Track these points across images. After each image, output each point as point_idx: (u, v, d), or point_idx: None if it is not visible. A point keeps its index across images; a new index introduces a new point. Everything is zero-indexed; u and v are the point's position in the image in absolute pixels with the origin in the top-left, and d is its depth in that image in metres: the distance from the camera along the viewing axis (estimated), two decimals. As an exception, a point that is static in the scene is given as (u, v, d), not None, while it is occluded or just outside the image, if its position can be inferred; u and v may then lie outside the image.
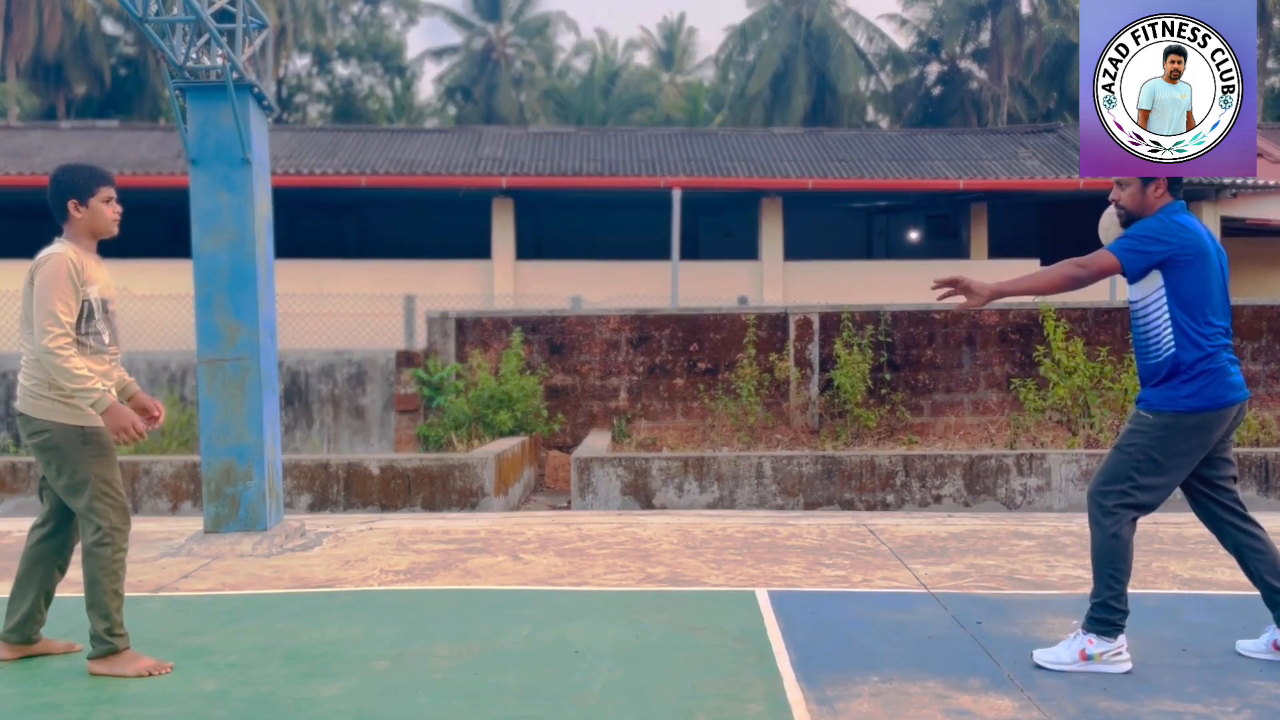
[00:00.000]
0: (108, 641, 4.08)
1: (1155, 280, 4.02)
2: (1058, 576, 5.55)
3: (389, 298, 15.83)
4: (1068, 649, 4.08)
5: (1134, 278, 4.07)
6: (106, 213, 4.21)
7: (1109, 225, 4.30)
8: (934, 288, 4.19)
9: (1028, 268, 19.45)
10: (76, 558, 4.33)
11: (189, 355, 13.07)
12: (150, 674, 4.06)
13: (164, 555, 6.36)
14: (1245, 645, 4.29)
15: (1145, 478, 4.02)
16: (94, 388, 3.98)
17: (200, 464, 6.89)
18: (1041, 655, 4.13)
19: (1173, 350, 4.01)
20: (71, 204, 4.15)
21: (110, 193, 4.23)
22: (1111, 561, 4.02)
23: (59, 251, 4.08)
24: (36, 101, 33.55)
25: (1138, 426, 4.06)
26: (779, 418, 12.98)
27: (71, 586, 5.05)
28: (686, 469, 9.56)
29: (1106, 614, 4.04)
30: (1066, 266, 4.08)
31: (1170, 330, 4.01)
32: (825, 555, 6.15)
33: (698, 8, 61.93)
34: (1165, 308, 4.02)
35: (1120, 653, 4.03)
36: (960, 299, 4.14)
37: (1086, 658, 4.03)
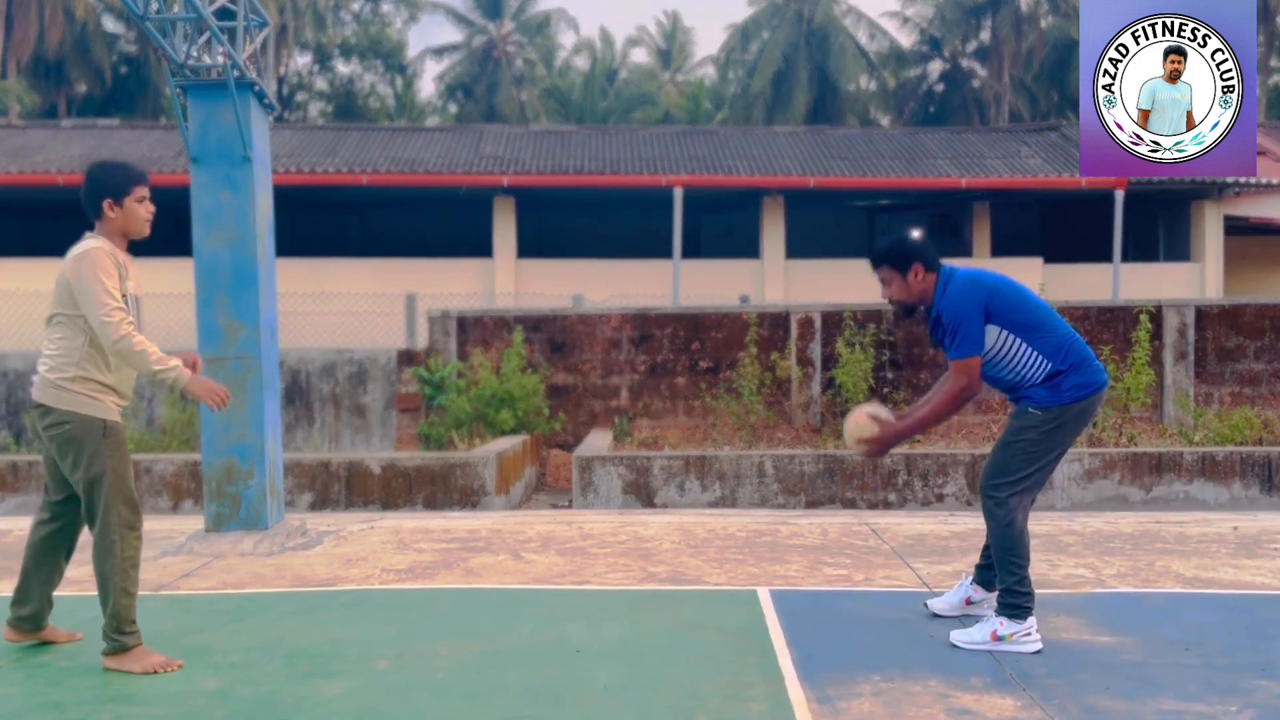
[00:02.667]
0: (117, 640, 4.09)
1: (993, 331, 4.31)
2: (1060, 575, 5.55)
3: (390, 296, 15.84)
4: (980, 630, 4.32)
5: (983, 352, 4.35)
6: (140, 212, 4.22)
7: (856, 430, 4.61)
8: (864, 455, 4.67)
9: (1030, 265, 19.45)
10: (81, 555, 4.36)
11: (190, 354, 13.06)
12: (157, 671, 4.07)
13: (165, 554, 6.36)
14: (936, 604, 4.77)
15: (1032, 467, 4.32)
16: (174, 365, 4.07)
17: (201, 463, 6.89)
18: (957, 635, 4.36)
19: (1046, 366, 4.30)
20: (106, 203, 4.15)
21: (145, 192, 4.23)
22: (1011, 548, 4.28)
23: (98, 245, 4.08)
24: (37, 100, 33.57)
25: (1026, 423, 4.33)
26: (781, 417, 12.98)
27: (72, 585, 5.07)
28: (688, 468, 9.57)
29: (1013, 598, 4.27)
30: (951, 391, 4.38)
31: (1032, 354, 4.30)
32: (827, 554, 6.15)
33: (695, 7, 61.96)
34: (1017, 342, 4.30)
35: (1030, 633, 4.26)
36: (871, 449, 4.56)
37: (997, 638, 4.25)
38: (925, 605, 4.85)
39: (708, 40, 66.74)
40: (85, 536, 4.36)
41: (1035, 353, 4.29)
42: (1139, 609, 4.89)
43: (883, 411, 4.65)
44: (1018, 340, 4.30)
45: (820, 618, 4.79)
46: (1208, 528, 6.82)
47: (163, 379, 4.04)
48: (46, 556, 4.30)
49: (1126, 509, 8.97)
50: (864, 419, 4.60)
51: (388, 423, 13.32)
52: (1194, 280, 20.07)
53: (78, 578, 5.07)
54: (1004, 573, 4.29)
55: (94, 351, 4.08)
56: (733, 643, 4.41)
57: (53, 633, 4.40)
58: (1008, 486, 4.29)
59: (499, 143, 22.30)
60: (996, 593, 4.45)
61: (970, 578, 4.80)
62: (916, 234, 4.56)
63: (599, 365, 13.37)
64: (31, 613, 4.30)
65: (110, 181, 4.17)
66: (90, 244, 4.10)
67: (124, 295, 4.11)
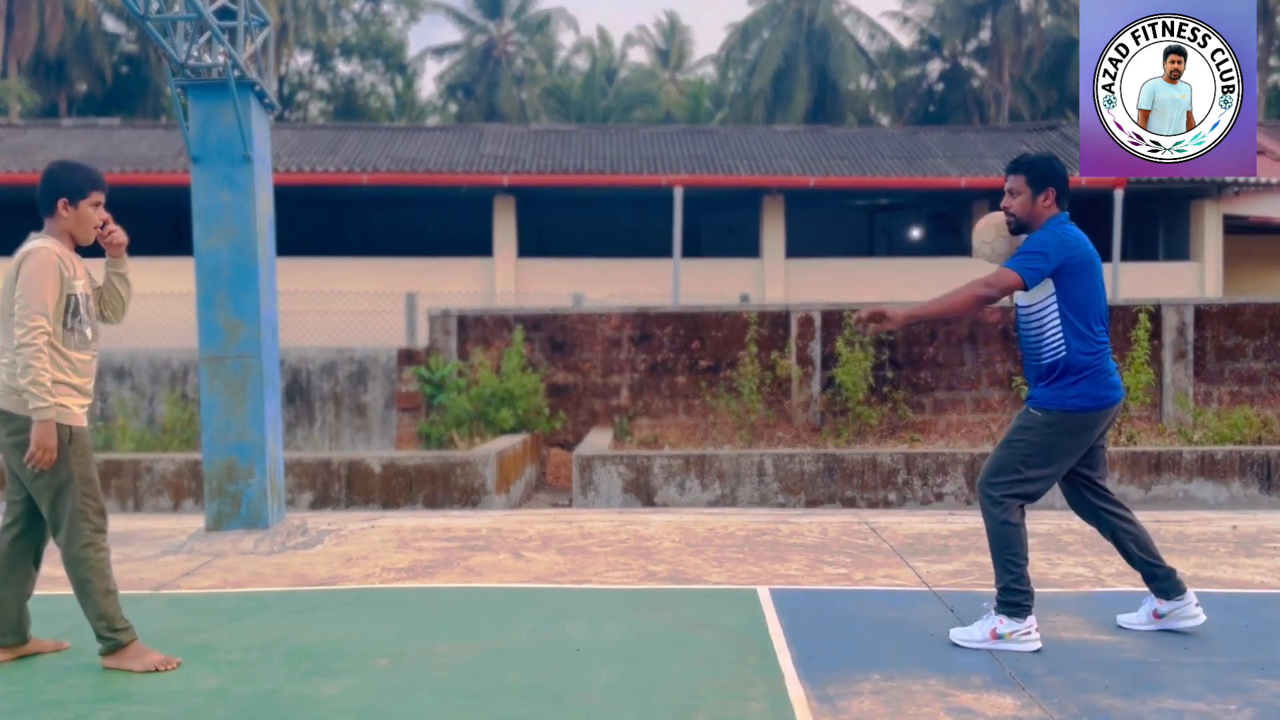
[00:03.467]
0: (111, 638, 4.08)
1: (1047, 287, 4.26)
2: (1059, 574, 5.56)
3: (390, 295, 15.84)
4: (980, 628, 4.32)
5: (1030, 287, 4.27)
6: (93, 217, 4.15)
7: (986, 231, 4.50)
8: (855, 321, 4.54)
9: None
10: (53, 555, 4.31)
11: (190, 353, 13.08)
12: (158, 669, 4.06)
13: (165, 553, 6.37)
14: (1126, 619, 4.58)
15: (1031, 470, 4.29)
16: (47, 398, 3.91)
17: (202, 462, 6.89)
18: (956, 634, 4.36)
19: (1064, 353, 4.25)
20: (61, 202, 4.12)
21: (100, 198, 4.18)
22: (1008, 546, 4.28)
23: (45, 246, 4.03)
24: (38, 99, 33.56)
25: (1027, 423, 4.32)
26: (781, 416, 12.99)
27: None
28: (688, 467, 9.57)
29: (1012, 596, 4.27)
30: (976, 287, 4.28)
31: (1062, 333, 4.26)
32: (827, 553, 6.15)
33: (695, 7, 61.95)
34: (1057, 312, 4.26)
35: (1029, 632, 4.26)
36: (875, 325, 4.48)
37: (997, 636, 4.25)
38: (1117, 621, 4.65)
39: (707, 39, 66.79)
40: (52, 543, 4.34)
41: (1064, 332, 4.23)
42: (1138, 608, 4.89)
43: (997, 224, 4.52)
44: (1058, 309, 4.23)
45: (820, 617, 4.80)
46: (1207, 527, 6.83)
47: (32, 398, 3.89)
48: (16, 565, 4.20)
49: (1126, 508, 8.97)
50: (989, 223, 4.51)
51: (388, 422, 13.32)
52: (1193, 279, 20.07)
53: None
54: (1002, 570, 4.29)
55: (54, 353, 3.99)
56: (733, 642, 4.41)
57: (38, 644, 4.32)
58: (1004, 485, 4.29)
59: (499, 142, 22.30)
60: (1181, 596, 4.39)
61: (1150, 597, 4.56)
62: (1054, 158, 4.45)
63: (599, 364, 13.37)
64: (11, 627, 4.22)
65: (70, 181, 4.13)
66: (38, 243, 4.05)
67: (71, 295, 4.05)
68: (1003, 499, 4.29)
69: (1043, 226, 4.33)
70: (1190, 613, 4.42)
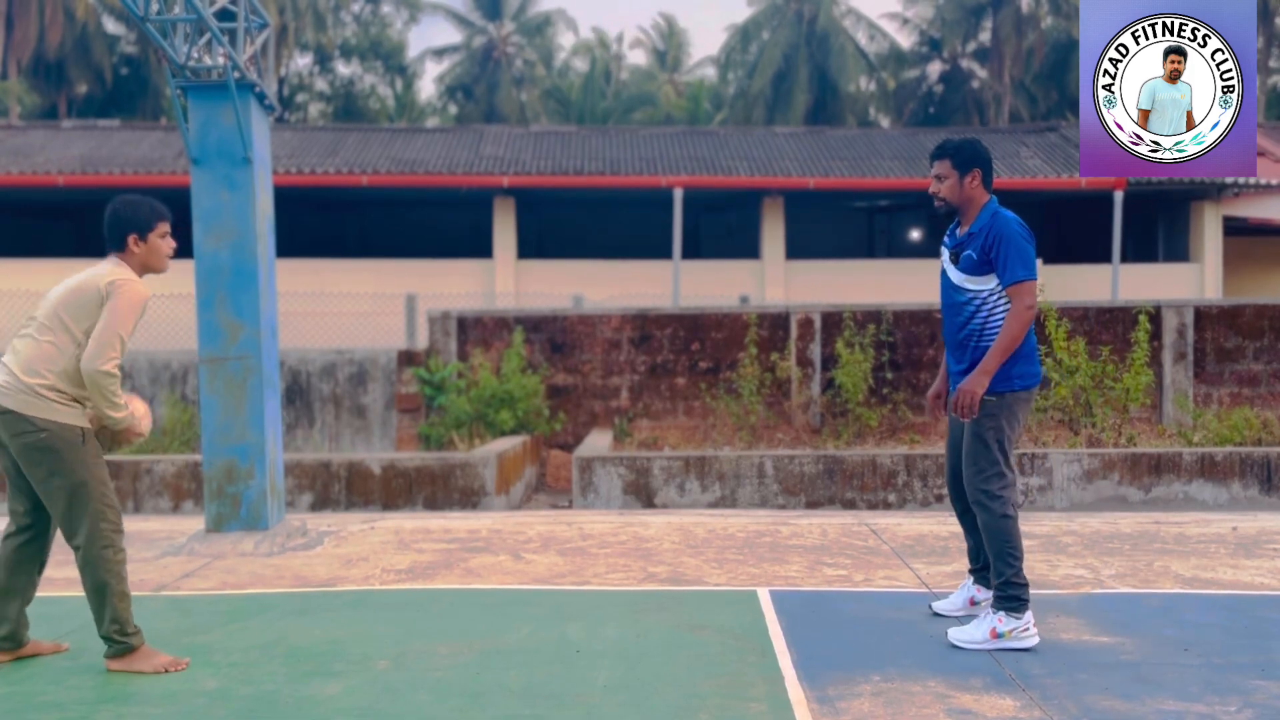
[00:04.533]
0: (122, 642, 4.08)
1: (994, 276, 4.35)
2: (1059, 575, 5.55)
3: (390, 297, 15.85)
4: (979, 628, 4.32)
5: (978, 270, 4.37)
6: (163, 248, 4.28)
7: None
8: (961, 412, 4.38)
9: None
10: (59, 556, 4.32)
11: (190, 354, 13.08)
12: (169, 670, 4.08)
13: (165, 554, 6.37)
14: (941, 605, 4.80)
15: (1005, 455, 4.37)
16: (126, 415, 4.11)
17: (202, 463, 6.89)
18: (955, 634, 4.36)
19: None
20: (132, 238, 4.19)
21: (167, 228, 4.30)
22: (1008, 540, 4.31)
23: (138, 281, 4.13)
24: (38, 100, 33.57)
25: (989, 411, 4.35)
26: (780, 417, 12.99)
27: (76, 585, 5.06)
28: (688, 468, 9.57)
29: (1012, 590, 4.29)
30: (1023, 314, 4.32)
31: (1004, 318, 4.34)
32: (827, 554, 6.15)
33: (695, 7, 61.97)
34: (1004, 300, 4.35)
35: (1028, 629, 4.28)
36: (971, 402, 4.37)
37: (997, 635, 4.26)
38: (930, 608, 4.87)
39: (706, 41, 66.83)
40: (58, 545, 4.34)
41: (1005, 316, 4.34)
42: (1138, 609, 4.90)
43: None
44: (1003, 294, 4.35)
45: (820, 618, 4.79)
46: (1207, 528, 6.83)
47: (114, 424, 4.11)
48: (20, 570, 4.22)
49: (1125, 509, 8.97)
50: None
51: (388, 423, 13.32)
52: (1193, 280, 20.08)
53: (76, 577, 5.06)
54: (1002, 564, 4.30)
55: (77, 369, 4.05)
56: (733, 643, 4.41)
57: (36, 646, 4.32)
58: (996, 479, 4.33)
59: (499, 143, 22.31)
60: (994, 586, 4.47)
61: (972, 579, 4.83)
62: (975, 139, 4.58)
63: (599, 365, 13.37)
64: (10, 631, 4.22)
65: (137, 216, 4.21)
66: (129, 275, 4.13)
67: None
68: (999, 491, 4.33)
69: (981, 212, 4.45)
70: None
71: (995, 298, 4.37)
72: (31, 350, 4.05)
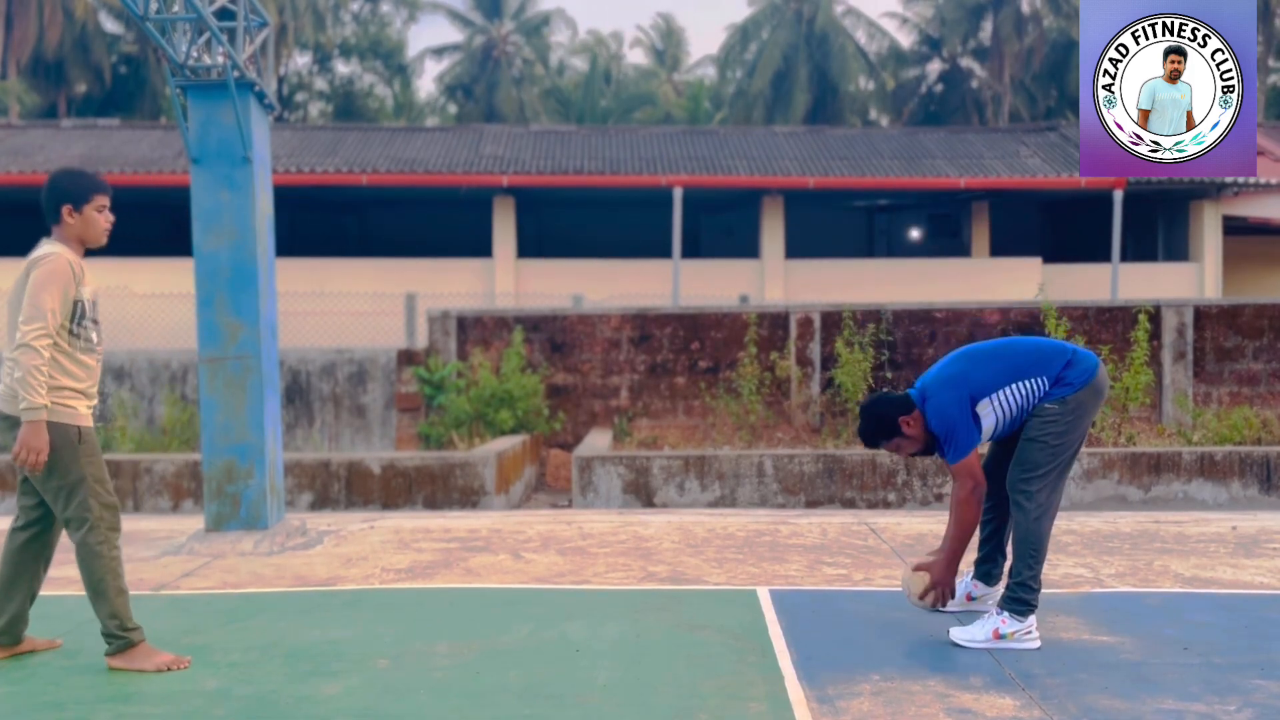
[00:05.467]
0: (123, 637, 4.08)
1: (986, 404, 4.40)
2: (1059, 575, 5.55)
3: (390, 296, 15.85)
4: (982, 628, 4.32)
5: (984, 436, 4.47)
6: (100, 221, 4.21)
7: (914, 588, 4.76)
8: (931, 604, 4.66)
9: (1028, 265, 19.48)
10: (59, 556, 4.31)
11: (190, 354, 13.08)
12: (171, 668, 4.08)
13: (165, 554, 6.37)
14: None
15: (1058, 459, 4.35)
16: (39, 401, 3.92)
17: (201, 462, 6.89)
18: (957, 633, 4.36)
19: (1044, 383, 4.38)
20: (66, 209, 4.14)
21: (105, 201, 4.22)
22: (1037, 542, 4.30)
23: (58, 252, 4.06)
24: (37, 100, 33.55)
25: (1047, 418, 4.35)
26: (780, 416, 12.99)
27: (74, 585, 5.07)
28: (688, 468, 9.57)
29: (1024, 593, 4.29)
30: (962, 500, 4.43)
31: (1030, 384, 4.38)
32: (826, 554, 6.15)
33: (695, 8, 61.96)
34: (1013, 389, 4.39)
35: (1030, 632, 4.29)
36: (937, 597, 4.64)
37: (999, 636, 4.26)
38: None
39: (705, 40, 66.85)
40: (58, 545, 4.34)
41: (1031, 380, 4.38)
42: (1138, 608, 4.89)
43: (916, 560, 4.86)
44: (1012, 387, 4.38)
45: (820, 617, 4.79)
46: (1206, 527, 6.83)
47: (23, 399, 3.91)
48: (25, 566, 4.22)
49: (1125, 509, 8.98)
50: (911, 574, 4.75)
51: (388, 422, 13.32)
52: (1193, 280, 20.09)
53: (75, 577, 5.06)
54: (1022, 564, 4.29)
55: (61, 357, 4.03)
56: (733, 642, 4.41)
57: (31, 643, 4.32)
58: (1038, 480, 4.31)
59: (499, 143, 22.30)
60: (999, 587, 4.47)
61: (970, 574, 4.84)
62: (875, 401, 4.65)
63: (599, 365, 13.37)
64: (6, 625, 4.22)
65: (72, 188, 4.17)
66: (49, 249, 4.08)
67: (79, 301, 4.08)
68: (1036, 494, 4.32)
69: (930, 422, 4.47)
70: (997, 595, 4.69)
71: (1008, 402, 4.39)
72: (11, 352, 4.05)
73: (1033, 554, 4.29)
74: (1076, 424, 4.36)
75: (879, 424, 4.56)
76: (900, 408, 4.53)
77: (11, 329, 4.05)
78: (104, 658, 4.13)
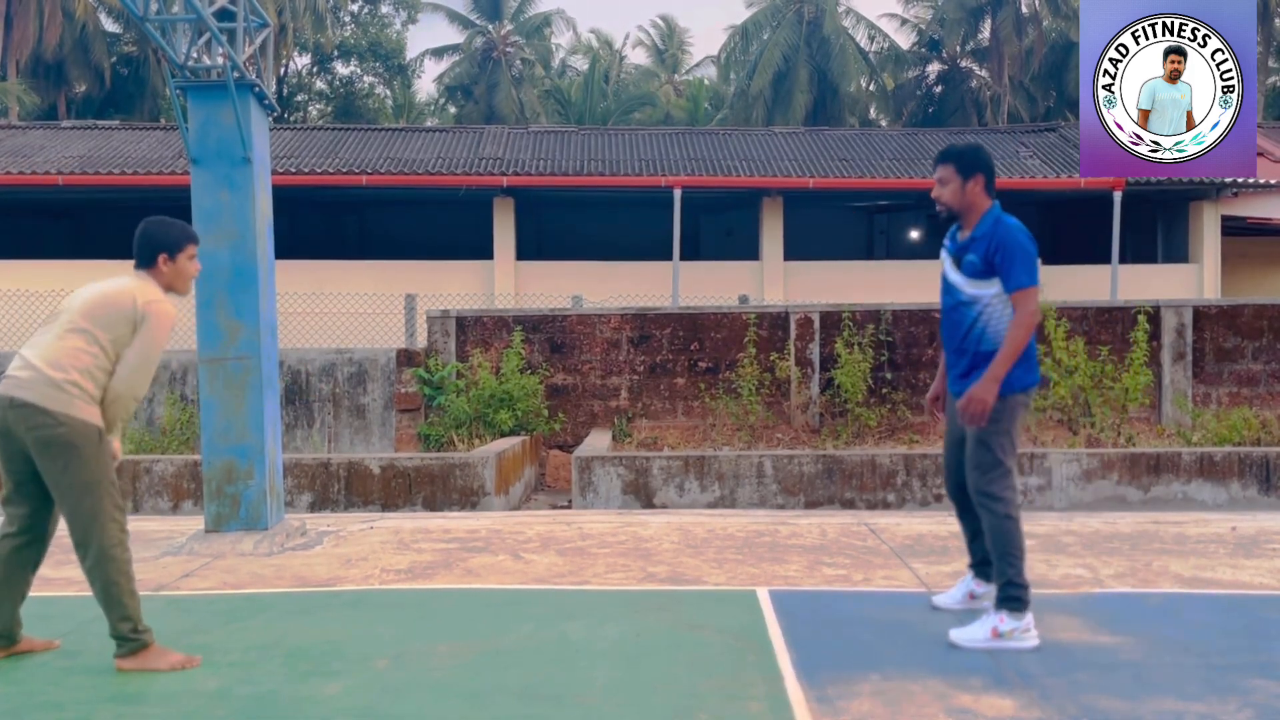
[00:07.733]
0: (135, 639, 4.08)
1: (995, 279, 4.36)
2: (1059, 575, 5.55)
3: (390, 297, 15.83)
4: (980, 628, 4.33)
5: (981, 275, 4.38)
6: (190, 270, 4.37)
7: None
8: (969, 419, 4.39)
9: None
10: (59, 556, 4.32)
11: (190, 354, 13.05)
12: (184, 667, 4.09)
13: (165, 554, 6.37)
14: (941, 599, 4.88)
15: (1009, 456, 4.38)
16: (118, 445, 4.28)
17: (201, 463, 6.89)
18: (956, 634, 4.36)
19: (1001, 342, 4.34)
20: (162, 257, 4.28)
21: (195, 250, 4.39)
22: (1012, 540, 4.32)
23: (167, 301, 4.22)
24: (37, 100, 33.52)
25: (992, 415, 4.32)
26: (780, 417, 12.99)
27: (74, 585, 5.07)
28: (687, 468, 9.57)
29: (1014, 590, 4.30)
30: (1026, 319, 4.33)
31: (1006, 322, 4.35)
32: (826, 554, 6.15)
33: (695, 8, 61.95)
34: (1007, 304, 4.35)
35: (1029, 629, 4.30)
36: (982, 410, 4.36)
37: (998, 635, 4.27)
38: (931, 601, 4.91)
39: (706, 41, 66.90)
40: (55, 545, 4.34)
41: (1007, 321, 4.35)
42: (1138, 609, 4.90)
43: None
44: (1006, 299, 4.36)
45: (819, 617, 4.79)
46: (1206, 528, 6.83)
47: (117, 431, 4.21)
48: (15, 571, 4.21)
49: (1125, 509, 8.98)
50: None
51: (387, 423, 13.32)
52: (1192, 281, 20.09)
53: (75, 577, 5.07)
54: (1004, 564, 4.31)
55: (100, 375, 4.09)
56: (732, 642, 4.41)
57: (29, 643, 4.32)
58: (999, 479, 4.35)
59: (498, 143, 22.30)
60: (996, 587, 4.48)
61: (971, 574, 4.85)
62: (969, 145, 4.60)
63: (598, 365, 13.37)
64: (3, 629, 4.22)
65: (168, 237, 4.31)
66: (160, 294, 4.22)
67: None
68: (1002, 492, 4.34)
69: (983, 218, 4.46)
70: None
71: (996, 302, 4.38)
72: (56, 346, 4.08)
73: (1010, 553, 4.31)
74: (1015, 420, 4.40)
75: (973, 155, 4.49)
76: (989, 176, 4.50)
77: (69, 333, 4.09)
78: (113, 660, 4.11)
